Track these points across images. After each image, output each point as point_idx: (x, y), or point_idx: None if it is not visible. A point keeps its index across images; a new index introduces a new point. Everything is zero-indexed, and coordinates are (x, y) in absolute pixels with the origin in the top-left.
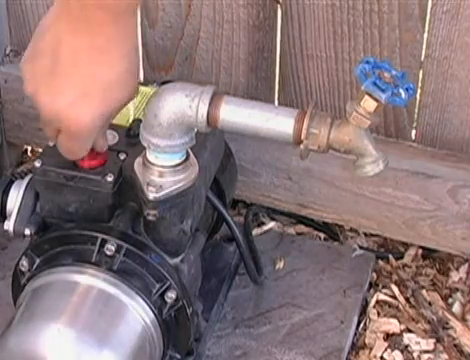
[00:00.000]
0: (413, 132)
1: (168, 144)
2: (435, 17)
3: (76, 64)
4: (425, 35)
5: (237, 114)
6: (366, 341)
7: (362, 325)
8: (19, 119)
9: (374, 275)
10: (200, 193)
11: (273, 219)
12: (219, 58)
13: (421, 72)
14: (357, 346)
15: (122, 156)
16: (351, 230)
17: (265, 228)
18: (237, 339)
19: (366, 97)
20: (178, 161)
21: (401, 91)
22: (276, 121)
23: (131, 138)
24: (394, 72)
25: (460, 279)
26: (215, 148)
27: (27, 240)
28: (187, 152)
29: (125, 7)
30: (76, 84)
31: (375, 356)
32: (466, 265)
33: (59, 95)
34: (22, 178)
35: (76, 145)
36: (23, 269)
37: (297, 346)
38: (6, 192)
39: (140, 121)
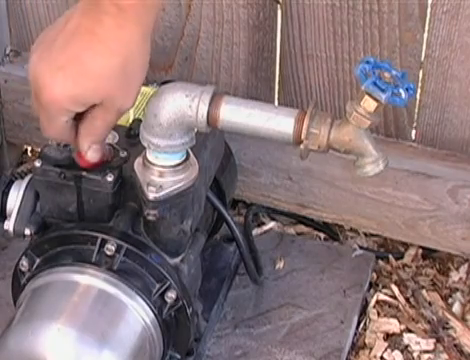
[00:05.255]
0: (413, 132)
1: (168, 144)
2: (435, 17)
3: (69, 40)
4: (425, 35)
5: (237, 114)
6: (366, 341)
7: (362, 325)
8: (19, 119)
9: (374, 275)
10: (200, 193)
11: (273, 219)
12: (219, 58)
13: (421, 72)
14: (357, 346)
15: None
16: (351, 230)
17: (265, 228)
18: (237, 339)
19: (366, 97)
20: (178, 161)
21: (401, 91)
22: (276, 121)
23: (131, 138)
24: (394, 72)
25: (460, 279)
26: (215, 148)
27: (27, 240)
28: (187, 152)
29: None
30: (61, 58)
31: (375, 356)
32: (466, 265)
33: (44, 61)
34: (22, 178)
35: (44, 117)
36: (23, 269)
37: (297, 346)
38: (6, 192)
39: (140, 121)
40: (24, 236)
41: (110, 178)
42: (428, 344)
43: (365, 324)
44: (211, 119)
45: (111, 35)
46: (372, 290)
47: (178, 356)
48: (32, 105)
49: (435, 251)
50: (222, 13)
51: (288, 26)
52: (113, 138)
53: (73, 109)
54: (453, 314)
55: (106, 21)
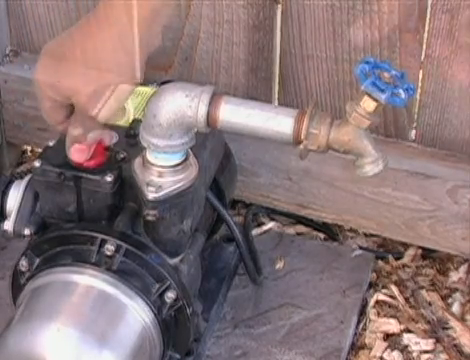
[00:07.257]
0: (413, 132)
1: (168, 144)
2: (435, 17)
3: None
4: (425, 35)
5: (237, 114)
6: (366, 341)
7: (362, 325)
8: (19, 119)
9: (374, 275)
10: (200, 193)
11: (273, 219)
12: (219, 58)
13: (421, 72)
14: (357, 346)
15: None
16: (350, 230)
17: (265, 228)
18: (237, 339)
19: (366, 97)
20: (178, 161)
21: (401, 91)
22: (276, 121)
23: (131, 138)
24: (394, 72)
25: (460, 279)
26: (215, 148)
27: (27, 240)
28: (187, 152)
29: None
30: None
31: (375, 356)
32: (466, 265)
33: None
34: (22, 178)
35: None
36: (23, 269)
37: (297, 346)
38: (6, 192)
39: (140, 121)
40: (24, 236)
41: (110, 178)
42: (428, 344)
43: (365, 324)
44: (210, 119)
45: (88, 34)
46: (372, 290)
47: (178, 356)
48: None
49: (435, 251)
50: (222, 13)
51: (288, 26)
52: (113, 138)
53: (48, 94)
54: (453, 314)
55: (91, 20)
